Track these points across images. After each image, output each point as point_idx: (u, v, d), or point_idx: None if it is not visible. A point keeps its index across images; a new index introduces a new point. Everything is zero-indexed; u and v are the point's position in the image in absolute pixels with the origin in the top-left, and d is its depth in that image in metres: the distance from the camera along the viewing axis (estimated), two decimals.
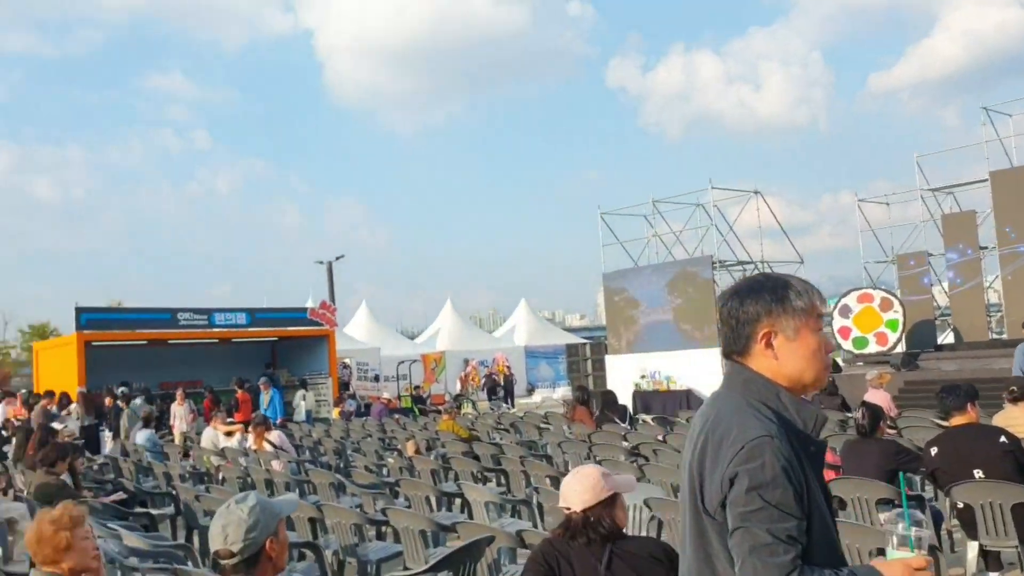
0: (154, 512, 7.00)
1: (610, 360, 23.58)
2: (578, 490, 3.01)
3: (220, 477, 10.90)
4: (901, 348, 19.75)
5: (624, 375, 21.93)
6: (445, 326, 36.43)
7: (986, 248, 20.00)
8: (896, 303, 19.49)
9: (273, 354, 24.24)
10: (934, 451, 5.49)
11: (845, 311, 19.87)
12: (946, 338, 21.76)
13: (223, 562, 2.60)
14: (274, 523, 2.64)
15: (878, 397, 10.03)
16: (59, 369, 19.88)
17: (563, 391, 22.52)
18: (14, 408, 19.63)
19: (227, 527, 2.59)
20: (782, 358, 1.96)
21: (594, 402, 11.94)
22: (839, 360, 20.20)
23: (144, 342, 21.02)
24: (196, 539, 7.02)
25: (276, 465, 10.26)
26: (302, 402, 21.29)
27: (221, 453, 11.58)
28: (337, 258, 36.48)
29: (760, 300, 1.98)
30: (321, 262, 36.32)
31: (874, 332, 19.54)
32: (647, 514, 5.37)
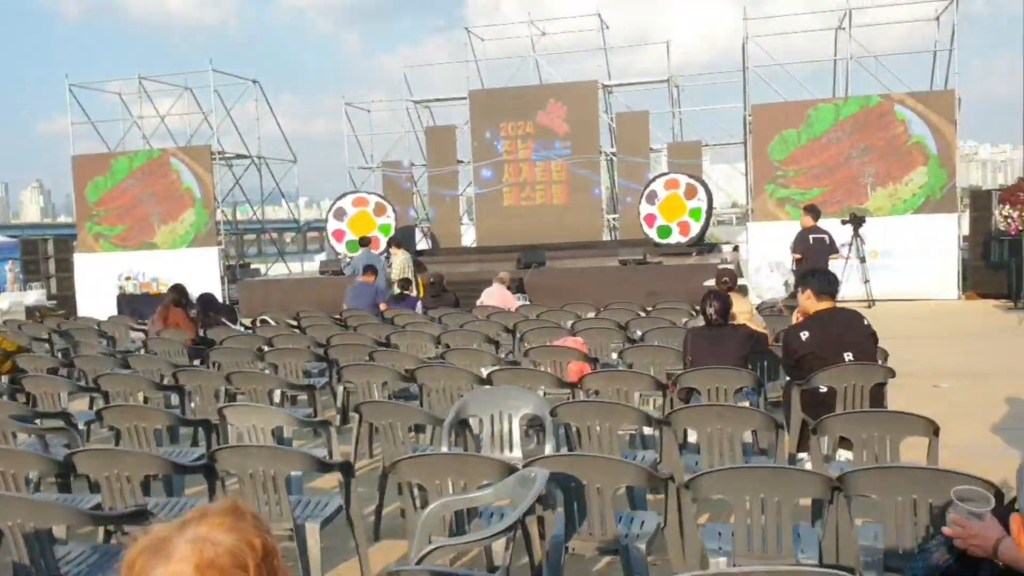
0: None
1: (80, 259, 20.55)
2: None
3: None
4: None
5: (102, 278, 19.42)
6: None
7: (463, 161, 21.99)
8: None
9: None
10: (804, 335, 5.44)
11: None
12: (424, 243, 22.95)
13: None
14: None
15: None
16: None
17: (34, 296, 18.54)
18: None
19: None
20: None
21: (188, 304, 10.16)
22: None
23: None
24: None
25: None
26: None
27: None
28: None
29: None
30: None
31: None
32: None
